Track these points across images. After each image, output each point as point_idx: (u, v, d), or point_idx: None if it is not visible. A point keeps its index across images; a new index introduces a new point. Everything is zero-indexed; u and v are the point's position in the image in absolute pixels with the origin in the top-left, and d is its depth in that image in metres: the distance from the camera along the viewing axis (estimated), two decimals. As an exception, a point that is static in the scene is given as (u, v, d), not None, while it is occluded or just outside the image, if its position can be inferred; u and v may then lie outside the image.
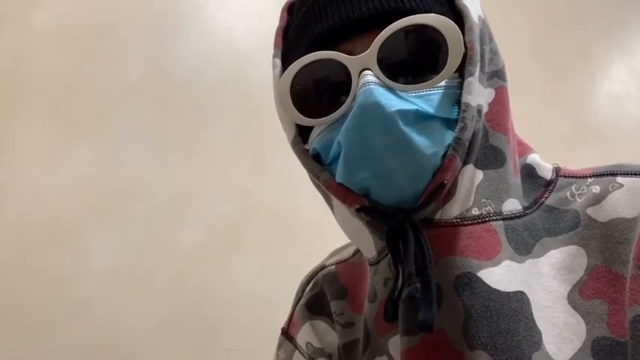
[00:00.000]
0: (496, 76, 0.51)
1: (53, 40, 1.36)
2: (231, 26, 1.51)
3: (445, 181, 0.45)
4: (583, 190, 0.50)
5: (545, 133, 1.77)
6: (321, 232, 1.29)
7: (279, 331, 0.65)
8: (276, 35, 0.54)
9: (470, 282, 0.45)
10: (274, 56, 0.53)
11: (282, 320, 0.65)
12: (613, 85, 2.14)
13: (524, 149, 0.54)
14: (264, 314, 1.27)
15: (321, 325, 0.61)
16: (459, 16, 0.49)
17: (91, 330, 1.22)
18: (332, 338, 0.59)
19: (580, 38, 2.10)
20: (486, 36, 0.51)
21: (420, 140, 0.43)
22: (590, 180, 0.50)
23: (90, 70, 1.37)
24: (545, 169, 0.53)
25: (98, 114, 1.35)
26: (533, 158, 0.54)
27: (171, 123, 1.40)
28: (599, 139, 2.03)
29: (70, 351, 1.20)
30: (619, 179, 0.48)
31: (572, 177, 0.52)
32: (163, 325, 1.26)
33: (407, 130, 0.43)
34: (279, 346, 0.64)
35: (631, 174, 0.48)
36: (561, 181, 0.52)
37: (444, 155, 0.45)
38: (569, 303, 0.45)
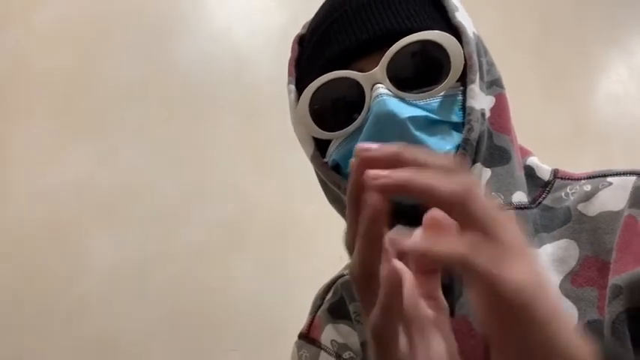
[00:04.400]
0: (495, 85, 0.56)
1: (54, 40, 1.36)
2: (232, 26, 1.51)
3: None
4: (576, 189, 0.54)
5: (545, 133, 1.77)
6: (321, 233, 1.29)
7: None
8: (289, 65, 0.59)
9: None
10: (289, 83, 0.58)
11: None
12: (613, 85, 2.14)
13: (524, 152, 0.58)
14: (264, 314, 1.28)
15: (344, 327, 0.63)
16: (456, 32, 0.53)
17: (91, 330, 1.22)
18: (354, 340, 0.62)
19: (580, 38, 2.10)
20: (482, 50, 0.56)
21: (431, 141, 0.49)
22: (583, 181, 0.54)
23: (90, 70, 1.37)
24: (544, 171, 0.57)
25: (98, 114, 1.35)
26: (532, 160, 0.58)
27: (171, 123, 1.40)
28: (599, 139, 2.03)
29: (70, 350, 1.20)
30: (609, 179, 0.52)
31: (569, 179, 0.56)
32: (163, 325, 1.26)
33: (419, 134, 0.48)
34: (300, 348, 0.65)
35: (620, 174, 0.52)
36: (558, 182, 0.56)
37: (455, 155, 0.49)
38: (562, 292, 0.49)
